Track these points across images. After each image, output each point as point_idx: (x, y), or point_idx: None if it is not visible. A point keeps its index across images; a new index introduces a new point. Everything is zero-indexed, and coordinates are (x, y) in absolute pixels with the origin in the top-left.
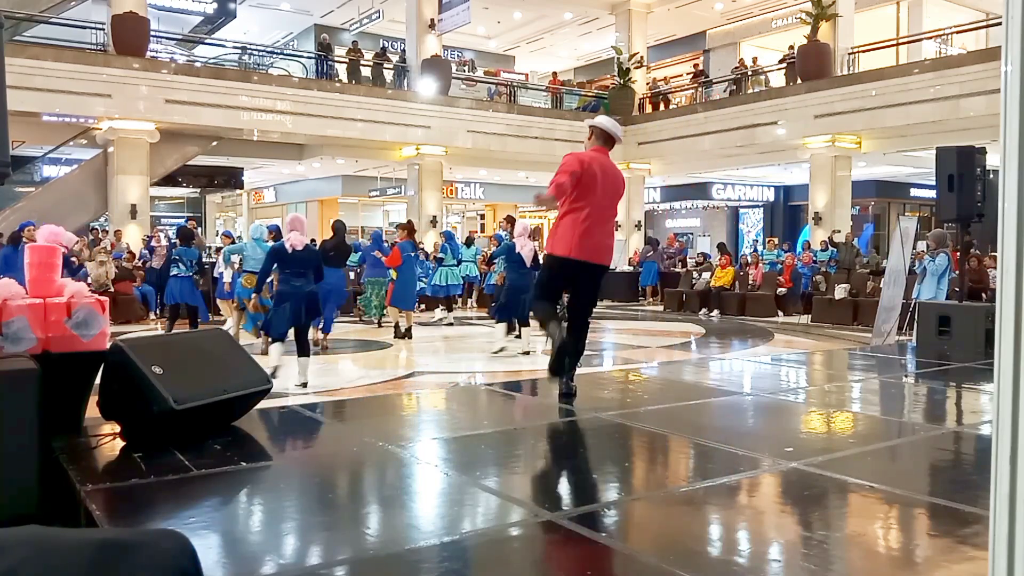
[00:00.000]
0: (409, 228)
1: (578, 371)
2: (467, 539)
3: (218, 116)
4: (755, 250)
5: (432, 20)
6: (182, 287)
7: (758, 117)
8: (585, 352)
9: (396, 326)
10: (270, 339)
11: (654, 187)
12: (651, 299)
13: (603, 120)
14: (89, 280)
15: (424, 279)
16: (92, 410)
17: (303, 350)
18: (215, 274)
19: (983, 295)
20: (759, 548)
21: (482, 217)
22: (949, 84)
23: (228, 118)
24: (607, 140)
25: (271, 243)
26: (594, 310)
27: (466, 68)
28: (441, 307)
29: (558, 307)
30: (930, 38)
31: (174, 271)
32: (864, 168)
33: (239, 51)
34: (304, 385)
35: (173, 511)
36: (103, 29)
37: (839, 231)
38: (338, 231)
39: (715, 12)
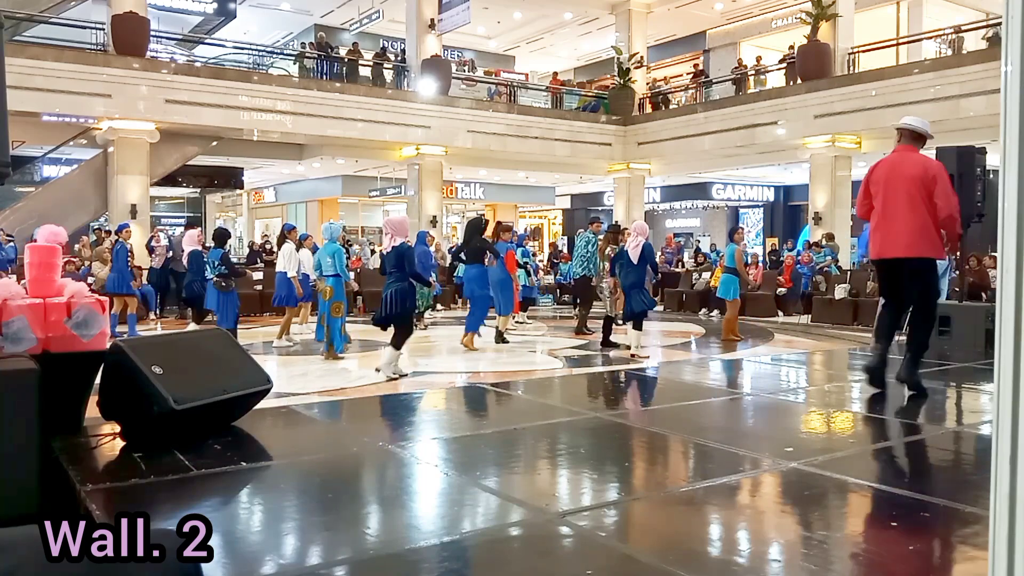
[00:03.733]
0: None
1: (577, 371)
2: (467, 539)
3: (218, 116)
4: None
5: (432, 20)
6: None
7: (758, 117)
8: (584, 351)
9: (500, 333)
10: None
11: (654, 187)
12: None
13: (906, 119)
14: (91, 280)
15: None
16: (92, 410)
17: (391, 342)
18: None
19: (983, 295)
20: (759, 548)
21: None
22: (949, 84)
23: (228, 118)
24: (912, 137)
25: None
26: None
27: (466, 68)
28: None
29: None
30: (930, 38)
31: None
32: (864, 168)
33: (251, 52)
34: (396, 376)
35: (173, 511)
36: (103, 29)
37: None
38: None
39: (715, 12)
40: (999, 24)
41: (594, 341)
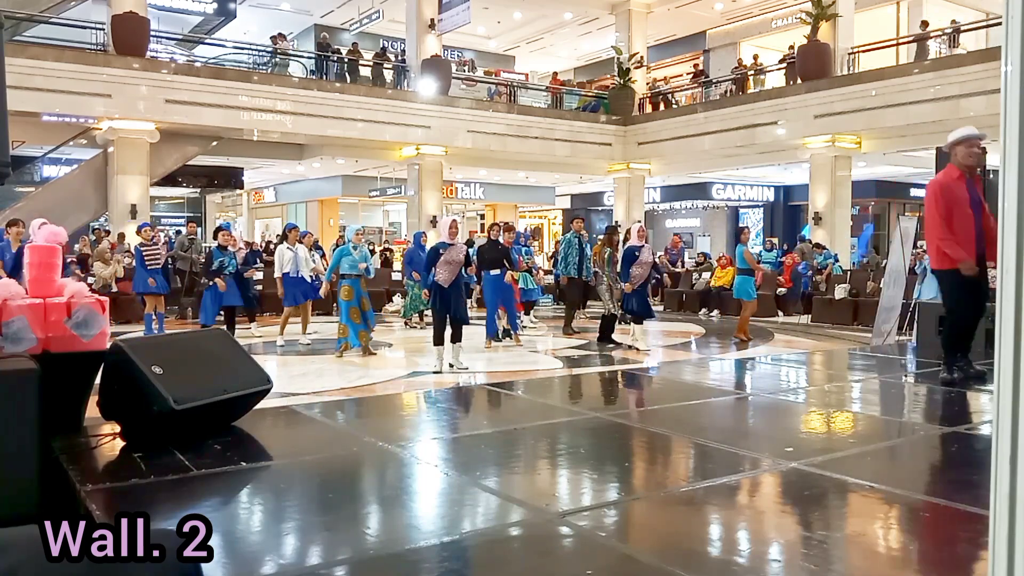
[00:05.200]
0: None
1: (576, 371)
2: (467, 539)
3: (218, 116)
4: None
5: (432, 20)
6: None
7: (758, 117)
8: (584, 351)
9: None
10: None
11: (654, 187)
12: None
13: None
14: (91, 280)
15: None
16: (92, 410)
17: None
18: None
19: None
20: (759, 548)
21: (482, 217)
22: (949, 84)
23: (228, 118)
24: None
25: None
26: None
27: (466, 68)
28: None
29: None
30: (930, 38)
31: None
32: (864, 168)
33: (250, 52)
34: (451, 366)
35: (173, 511)
36: (103, 29)
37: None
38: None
39: (715, 12)
40: (999, 24)
41: (592, 341)
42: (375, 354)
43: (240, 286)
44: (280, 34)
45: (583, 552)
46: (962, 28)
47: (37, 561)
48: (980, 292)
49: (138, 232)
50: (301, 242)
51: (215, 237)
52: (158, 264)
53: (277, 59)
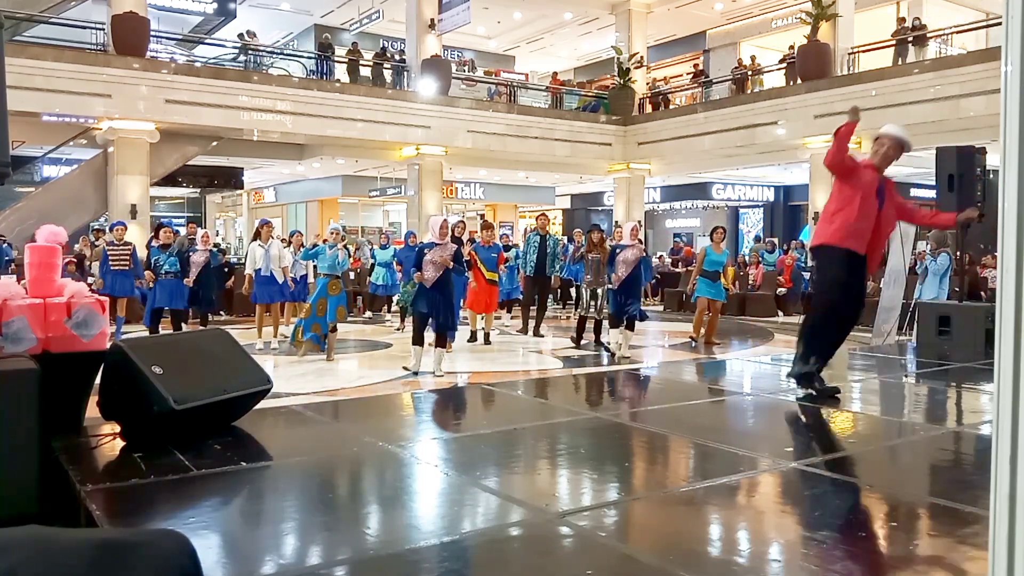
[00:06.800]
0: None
1: (576, 372)
2: (467, 539)
3: (218, 116)
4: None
5: (432, 20)
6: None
7: (758, 117)
8: (584, 352)
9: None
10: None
11: (654, 187)
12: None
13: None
14: (90, 280)
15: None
16: (92, 410)
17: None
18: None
19: (982, 295)
20: (759, 548)
21: (482, 217)
22: (949, 84)
23: (228, 118)
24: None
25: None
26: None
27: (466, 68)
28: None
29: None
30: (930, 37)
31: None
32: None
33: (242, 51)
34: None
35: (173, 511)
36: (103, 29)
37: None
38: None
39: (715, 12)
40: (999, 24)
41: (589, 342)
42: (295, 357)
43: (196, 285)
44: (249, 31)
45: (583, 552)
46: (945, 31)
47: (37, 561)
48: (854, 286)
49: (110, 230)
50: (290, 241)
51: (156, 234)
52: (125, 266)
53: (250, 57)
